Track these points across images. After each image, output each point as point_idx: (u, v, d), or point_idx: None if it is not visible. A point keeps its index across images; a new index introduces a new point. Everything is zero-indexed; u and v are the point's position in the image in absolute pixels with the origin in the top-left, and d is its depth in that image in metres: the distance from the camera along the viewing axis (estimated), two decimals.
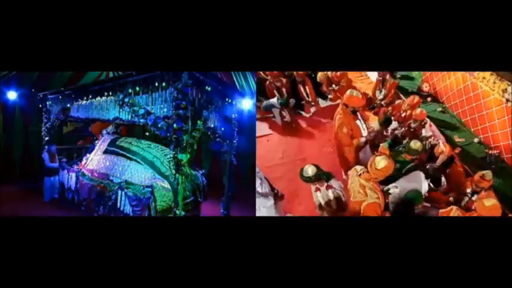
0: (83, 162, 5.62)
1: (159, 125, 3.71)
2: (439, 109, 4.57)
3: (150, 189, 4.22)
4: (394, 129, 3.92)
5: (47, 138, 5.93)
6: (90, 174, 5.19)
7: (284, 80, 4.63)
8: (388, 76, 4.46)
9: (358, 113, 3.78)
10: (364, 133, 3.86)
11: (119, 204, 4.48)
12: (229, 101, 4.91)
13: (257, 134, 4.66)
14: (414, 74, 5.12)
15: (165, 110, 3.72)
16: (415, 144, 3.25)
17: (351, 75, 5.20)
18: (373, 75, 4.85)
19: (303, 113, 4.94)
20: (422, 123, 3.93)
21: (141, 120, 3.91)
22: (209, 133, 4.96)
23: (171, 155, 4.02)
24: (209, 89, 4.14)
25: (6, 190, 5.89)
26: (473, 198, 3.21)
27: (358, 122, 3.83)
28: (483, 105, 4.11)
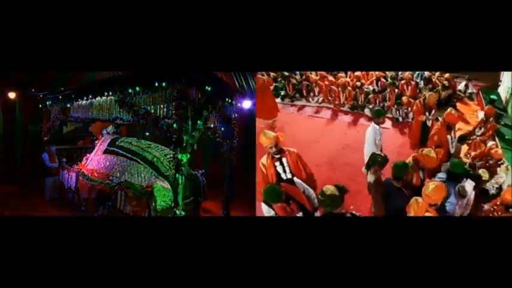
0: (83, 162, 5.61)
1: (159, 125, 3.72)
2: None
3: (150, 189, 4.22)
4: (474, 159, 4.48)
5: (46, 138, 5.93)
6: (90, 174, 5.19)
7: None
8: (491, 119, 5.21)
9: (452, 130, 4.43)
10: (452, 149, 4.43)
11: (118, 204, 4.48)
12: (229, 101, 4.91)
13: (384, 126, 5.62)
14: None
15: (165, 110, 3.73)
16: (484, 174, 3.70)
17: (465, 111, 6.28)
18: (481, 115, 5.68)
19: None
20: (499, 162, 4.30)
21: (141, 120, 3.92)
22: (209, 133, 4.97)
23: (171, 155, 4.02)
24: (209, 89, 4.14)
25: (6, 190, 5.88)
26: None
27: (449, 137, 4.39)
28: None
